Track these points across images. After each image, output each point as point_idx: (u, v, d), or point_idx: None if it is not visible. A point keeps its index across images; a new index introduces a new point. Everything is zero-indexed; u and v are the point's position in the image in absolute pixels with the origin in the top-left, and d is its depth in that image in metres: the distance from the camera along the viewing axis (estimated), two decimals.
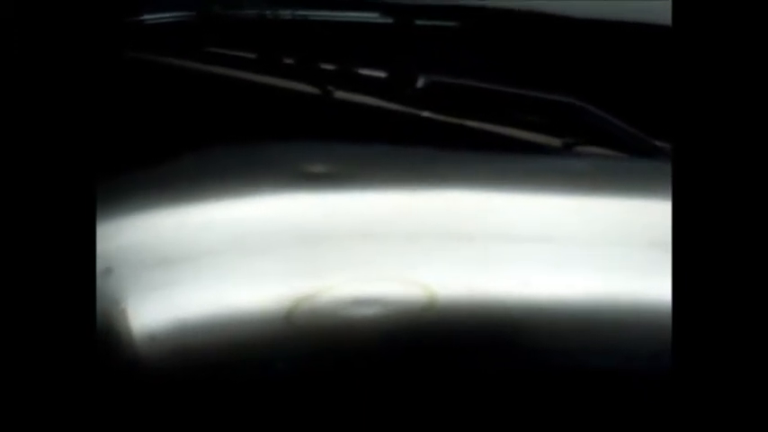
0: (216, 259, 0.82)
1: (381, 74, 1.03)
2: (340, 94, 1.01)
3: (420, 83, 1.01)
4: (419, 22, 1.08)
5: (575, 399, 0.81)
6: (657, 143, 0.97)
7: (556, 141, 0.97)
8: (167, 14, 1.09)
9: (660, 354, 0.80)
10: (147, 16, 1.09)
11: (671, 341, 0.71)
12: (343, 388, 0.79)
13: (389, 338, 0.79)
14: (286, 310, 0.79)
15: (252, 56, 1.04)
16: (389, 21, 1.08)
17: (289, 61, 1.03)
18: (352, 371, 0.79)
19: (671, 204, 0.73)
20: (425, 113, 0.99)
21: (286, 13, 1.07)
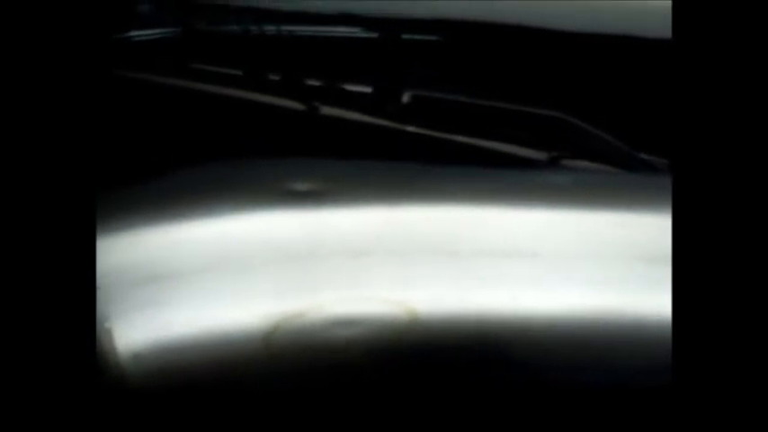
0: (200, 278, 0.81)
1: (367, 89, 1.03)
2: (325, 110, 1.01)
3: (405, 98, 1.01)
4: (404, 37, 1.08)
5: (562, 415, 0.80)
6: (644, 157, 0.97)
7: (542, 155, 0.97)
8: (152, 31, 1.09)
9: (648, 367, 0.80)
10: (132, 33, 1.09)
11: (670, 355, 0.71)
12: (324, 408, 0.78)
13: (372, 358, 0.79)
14: (269, 330, 0.79)
15: (237, 72, 1.04)
16: (374, 36, 1.08)
17: (274, 77, 1.03)
18: (334, 390, 0.79)
19: (671, 218, 0.73)
20: (411, 128, 0.99)
21: (271, 29, 1.07)
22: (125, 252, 0.83)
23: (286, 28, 1.07)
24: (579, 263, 0.85)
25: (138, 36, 1.09)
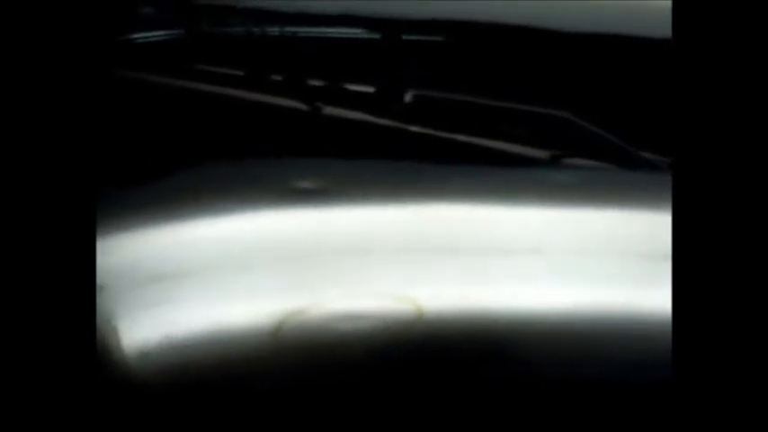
0: (206, 276, 0.82)
1: (369, 89, 1.03)
2: (328, 110, 1.01)
3: (408, 97, 1.02)
4: (406, 38, 1.08)
5: (566, 410, 0.81)
6: (644, 154, 0.97)
7: (543, 154, 0.97)
8: (156, 33, 1.09)
9: (651, 363, 0.80)
10: (136, 35, 1.09)
11: (671, 351, 0.71)
12: (331, 403, 0.79)
13: (377, 353, 0.79)
14: (275, 325, 0.79)
15: (240, 73, 1.04)
16: (377, 36, 1.08)
17: (277, 78, 1.04)
18: (340, 386, 0.79)
19: (671, 215, 0.73)
20: (414, 128, 1.00)
21: (274, 30, 1.08)
22: (131, 251, 0.83)
23: (289, 29, 1.08)
24: (581, 260, 0.86)
25: (142, 38, 1.09)
